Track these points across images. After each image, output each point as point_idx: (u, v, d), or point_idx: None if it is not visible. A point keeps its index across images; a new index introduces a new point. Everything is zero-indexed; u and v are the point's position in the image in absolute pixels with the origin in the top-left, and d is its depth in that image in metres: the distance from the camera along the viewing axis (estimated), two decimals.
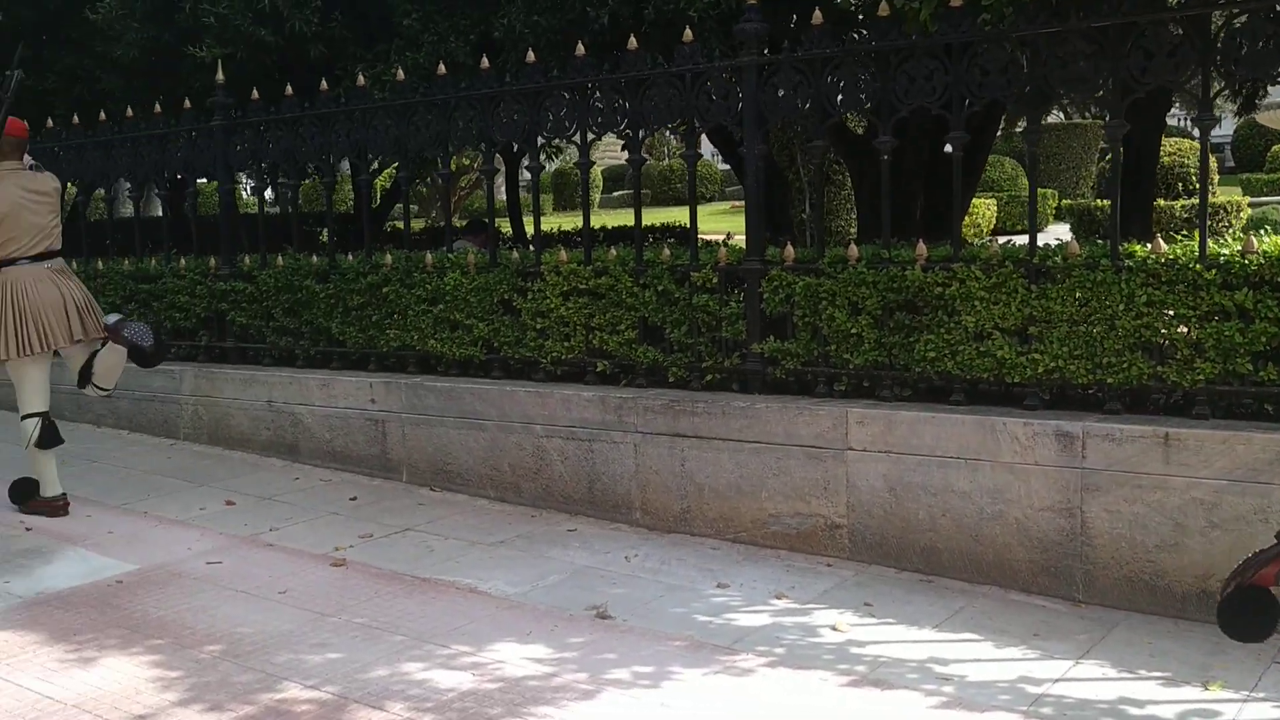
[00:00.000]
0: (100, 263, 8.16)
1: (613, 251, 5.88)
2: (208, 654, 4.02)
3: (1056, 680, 3.70)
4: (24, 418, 5.82)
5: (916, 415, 4.72)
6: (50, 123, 8.57)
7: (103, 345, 5.81)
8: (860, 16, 7.28)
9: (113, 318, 5.90)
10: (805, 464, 4.98)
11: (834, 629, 4.15)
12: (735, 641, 4.05)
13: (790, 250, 5.31)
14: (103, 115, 8.08)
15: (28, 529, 5.56)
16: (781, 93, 5.22)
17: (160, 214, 16.90)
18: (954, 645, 4.01)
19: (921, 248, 4.94)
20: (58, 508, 5.78)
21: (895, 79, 4.91)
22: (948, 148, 5.18)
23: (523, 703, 3.57)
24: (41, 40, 9.35)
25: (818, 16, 5.10)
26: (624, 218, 16.13)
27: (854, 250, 5.12)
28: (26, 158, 5.93)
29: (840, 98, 5.11)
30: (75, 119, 8.32)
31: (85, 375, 5.90)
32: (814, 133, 5.35)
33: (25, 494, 5.86)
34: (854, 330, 5.03)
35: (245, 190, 14.74)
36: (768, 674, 3.77)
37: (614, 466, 5.53)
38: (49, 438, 5.77)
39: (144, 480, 6.46)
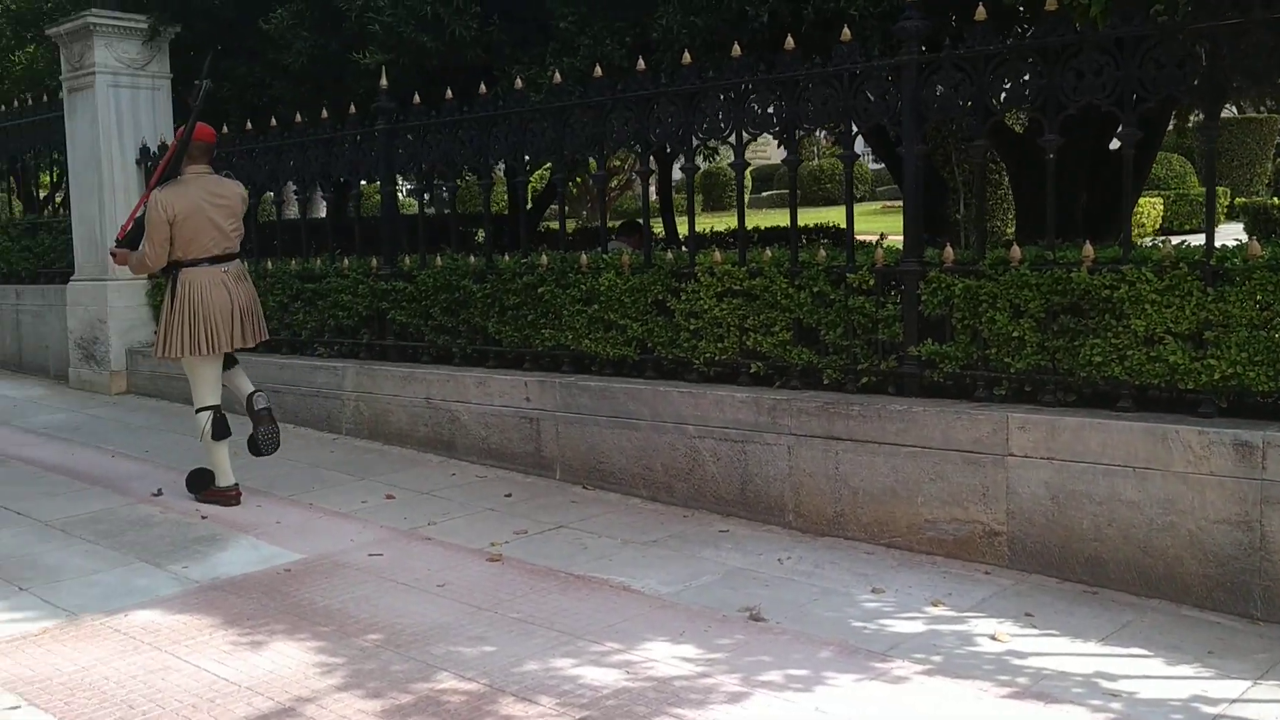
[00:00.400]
0: (269, 263, 8.48)
1: (767, 253, 5.85)
2: (369, 642, 4.14)
3: (1233, 701, 3.54)
4: (198, 411, 6.11)
5: (1081, 421, 4.57)
6: (224, 129, 8.94)
7: (254, 411, 6.09)
8: (1023, 12, 7.07)
9: (260, 399, 6.14)
10: (963, 469, 4.87)
11: (993, 639, 4.05)
12: (890, 648, 3.98)
13: (949, 251, 5.21)
14: (273, 121, 8.41)
15: (203, 517, 5.81)
16: (942, 91, 5.13)
17: (323, 215, 17.47)
18: (1122, 660, 3.87)
19: (1088, 249, 4.78)
20: (230, 497, 6.04)
21: (1062, 75, 4.77)
22: (1113, 144, 5.01)
23: (673, 702, 3.58)
24: (217, 50, 9.74)
25: (981, 13, 4.98)
26: (774, 218, 16.03)
27: (1016, 251, 4.99)
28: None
29: (1004, 95, 4.99)
30: (248, 125, 8.68)
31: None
32: (975, 131, 5.22)
33: (201, 484, 6.13)
34: (1015, 333, 4.90)
35: (401, 192, 15.14)
36: (924, 682, 3.70)
37: (767, 468, 5.50)
38: (220, 430, 6.03)
39: (309, 473, 6.69)
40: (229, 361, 6.19)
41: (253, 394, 6.14)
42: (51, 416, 8.55)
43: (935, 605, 4.40)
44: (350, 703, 3.62)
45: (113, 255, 6.21)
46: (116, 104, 9.31)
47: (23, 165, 12.10)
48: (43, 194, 14.41)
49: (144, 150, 9.36)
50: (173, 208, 5.77)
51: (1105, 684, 3.66)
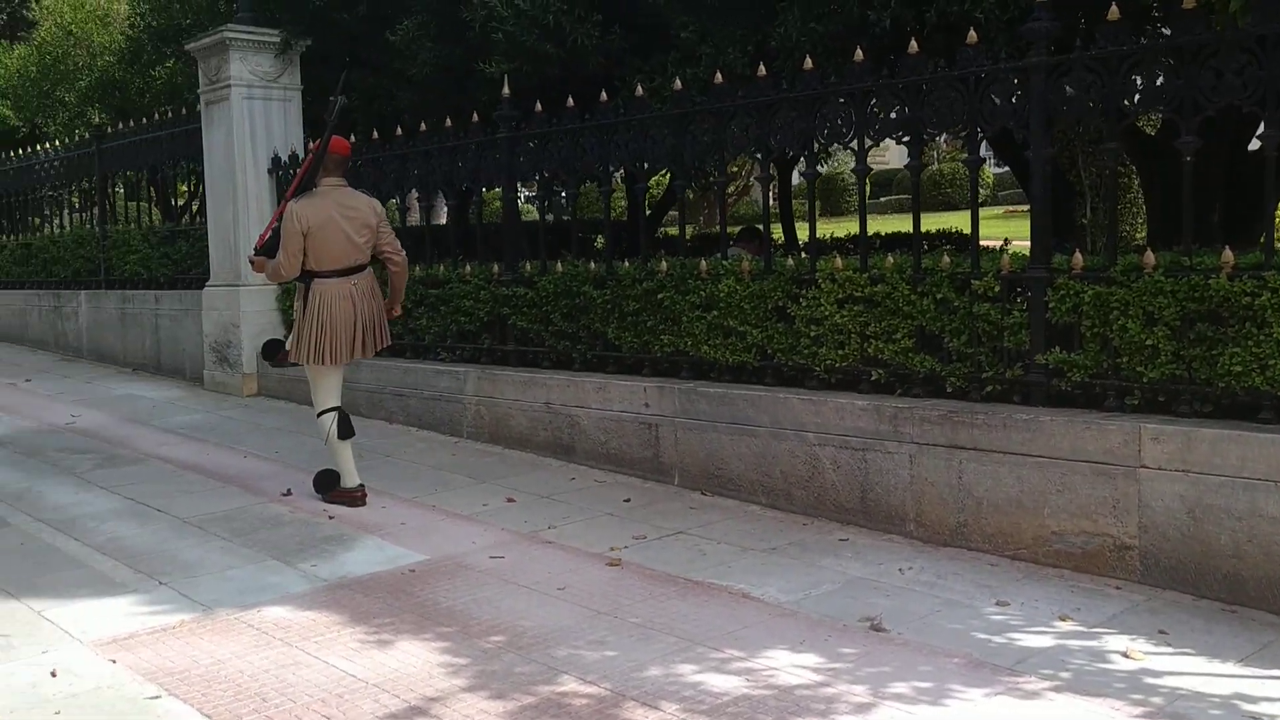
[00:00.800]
0: None
1: (889, 259, 5.78)
2: (492, 644, 4.19)
3: None
4: (320, 414, 6.30)
5: (1219, 433, 4.42)
6: (351, 138, 9.16)
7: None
8: (1156, 11, 6.88)
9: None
10: (1092, 481, 4.74)
11: (1125, 655, 3.94)
12: (1017, 662, 3.90)
13: (1079, 257, 5.08)
14: (399, 130, 8.59)
15: (330, 517, 5.96)
16: (1072, 93, 5.01)
17: (443, 221, 17.72)
18: (1263, 682, 3.73)
19: (1228, 254, 4.63)
20: (356, 498, 6.19)
21: (1200, 75, 4.62)
22: (1253, 145, 4.83)
23: (795, 711, 3.56)
24: (345, 63, 10.01)
25: (1114, 12, 4.85)
26: (893, 224, 15.83)
27: (1150, 257, 4.85)
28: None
29: (1138, 97, 4.86)
30: (374, 134, 8.88)
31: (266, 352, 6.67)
32: (1107, 134, 5.09)
33: (328, 484, 6.29)
34: (1149, 342, 4.77)
35: (520, 198, 15.33)
36: (1053, 698, 3.61)
37: (888, 477, 5.44)
38: (344, 429, 6.21)
39: (432, 475, 6.81)
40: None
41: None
42: (188, 417, 8.86)
43: (1063, 620, 4.29)
44: (476, 703, 3.68)
45: (251, 262, 6.41)
46: (250, 115, 9.63)
47: (162, 175, 12.57)
48: (180, 203, 14.96)
49: (275, 160, 9.66)
50: (306, 220, 5.94)
51: (1245, 706, 3.53)
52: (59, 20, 15.81)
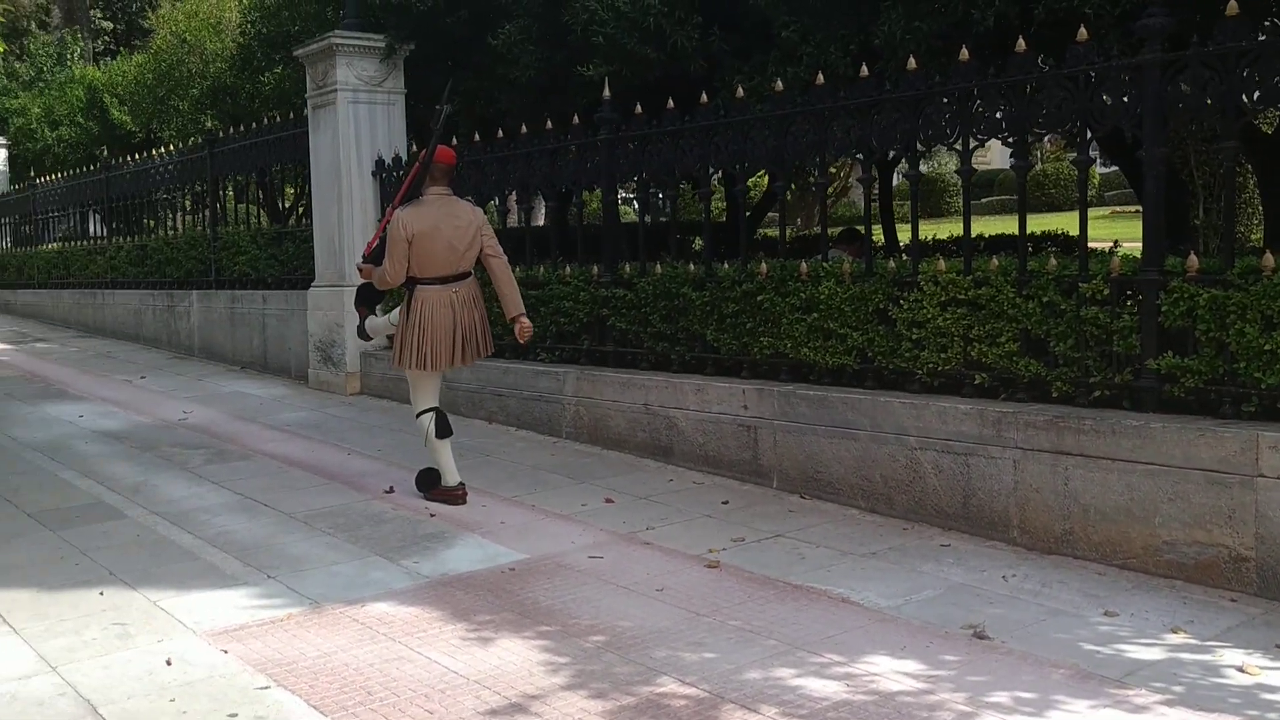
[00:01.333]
0: None
1: (994, 261, 5.69)
2: (591, 644, 4.22)
3: None
4: (419, 414, 6.41)
5: None
6: (453, 141, 9.30)
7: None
8: (1275, 6, 6.65)
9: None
10: (1206, 490, 4.61)
11: (1241, 670, 3.82)
12: (1126, 675, 3.81)
13: (1193, 260, 4.94)
14: (500, 133, 8.69)
15: (431, 515, 6.05)
16: (1188, 91, 4.88)
17: (542, 223, 17.87)
18: None
19: None
20: (456, 496, 6.29)
21: None
22: None
23: (897, 718, 3.52)
24: (448, 66, 10.16)
25: (1233, 7, 4.71)
26: (995, 225, 15.55)
27: (1270, 259, 4.69)
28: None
29: (1258, 94, 4.70)
30: (475, 137, 9.00)
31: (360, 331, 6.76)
32: (1224, 132, 4.95)
33: (430, 483, 6.39)
34: (1268, 347, 4.62)
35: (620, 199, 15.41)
36: (1165, 713, 3.52)
37: (991, 482, 5.35)
38: (442, 429, 6.32)
39: (531, 475, 6.88)
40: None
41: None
42: (293, 414, 9.07)
43: (1175, 632, 4.18)
44: (576, 702, 3.70)
45: (359, 269, 6.54)
46: (355, 119, 9.82)
47: (270, 178, 12.88)
48: (286, 205, 15.32)
49: (379, 163, 9.83)
50: (411, 228, 6.03)
51: None
52: (174, 28, 16.31)
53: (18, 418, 9.17)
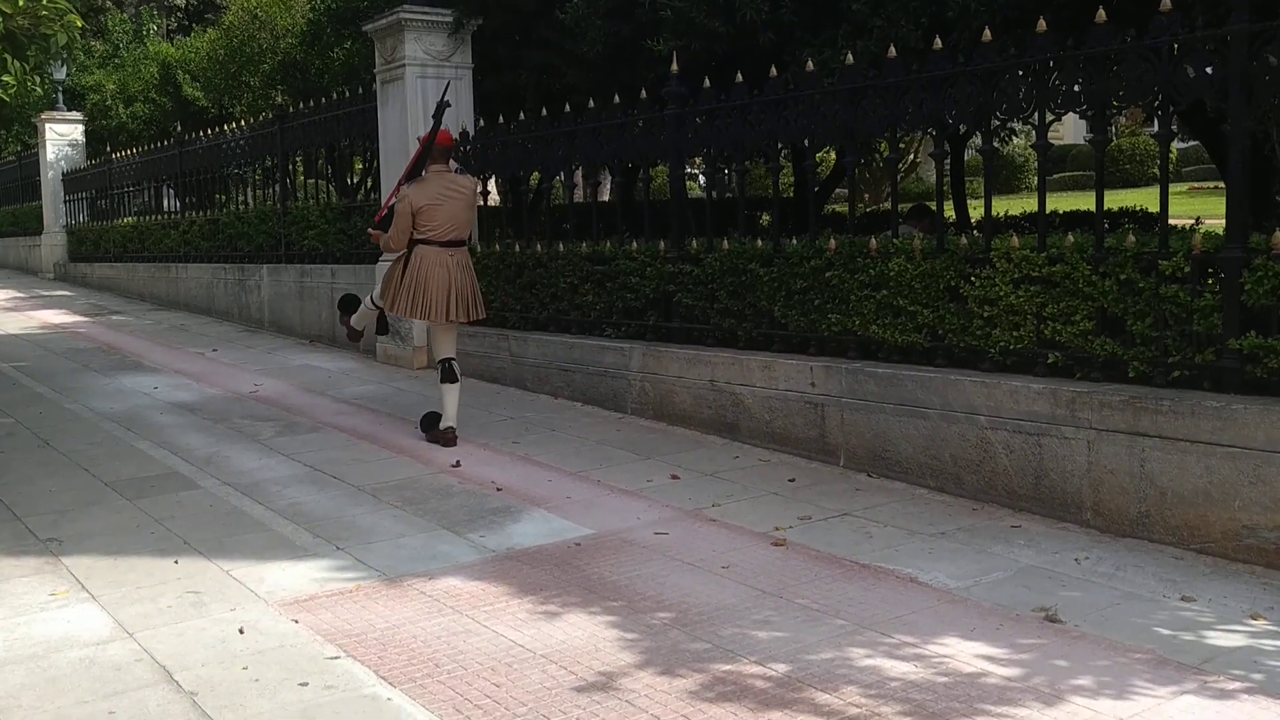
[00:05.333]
0: (560, 245, 8.75)
1: (1069, 238, 5.57)
2: (658, 620, 4.21)
3: None
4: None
5: None
6: (521, 115, 9.30)
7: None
8: None
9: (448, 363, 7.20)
10: None
11: None
12: (1205, 661, 3.73)
13: (1279, 237, 4.80)
14: (567, 107, 8.67)
15: (498, 489, 6.08)
16: (1275, 63, 4.72)
17: (606, 199, 17.86)
18: None
19: None
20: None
21: None
22: None
23: (977, 700, 3.47)
24: (515, 40, 10.16)
25: None
26: (1067, 201, 15.24)
27: None
28: (452, 162, 7.32)
29: None
30: (543, 111, 8.98)
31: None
32: None
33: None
34: None
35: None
36: (1246, 700, 3.44)
37: (1063, 463, 5.26)
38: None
39: (596, 450, 6.88)
40: (449, 334, 7.31)
41: (447, 361, 7.20)
42: (361, 388, 9.15)
43: (1255, 619, 4.08)
44: (646, 679, 3.70)
45: (370, 233, 7.57)
46: (423, 93, 9.85)
47: (339, 153, 12.99)
48: (355, 179, 15.45)
49: None
50: (417, 202, 6.94)
51: None
52: (245, 4, 16.46)
53: (95, 389, 9.36)
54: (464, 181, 7.19)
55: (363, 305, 7.60)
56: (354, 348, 11.05)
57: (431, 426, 7.20)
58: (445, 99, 7.18)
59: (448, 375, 7.12)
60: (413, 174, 7.08)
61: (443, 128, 7.04)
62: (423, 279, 6.96)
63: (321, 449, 7.06)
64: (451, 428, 7.08)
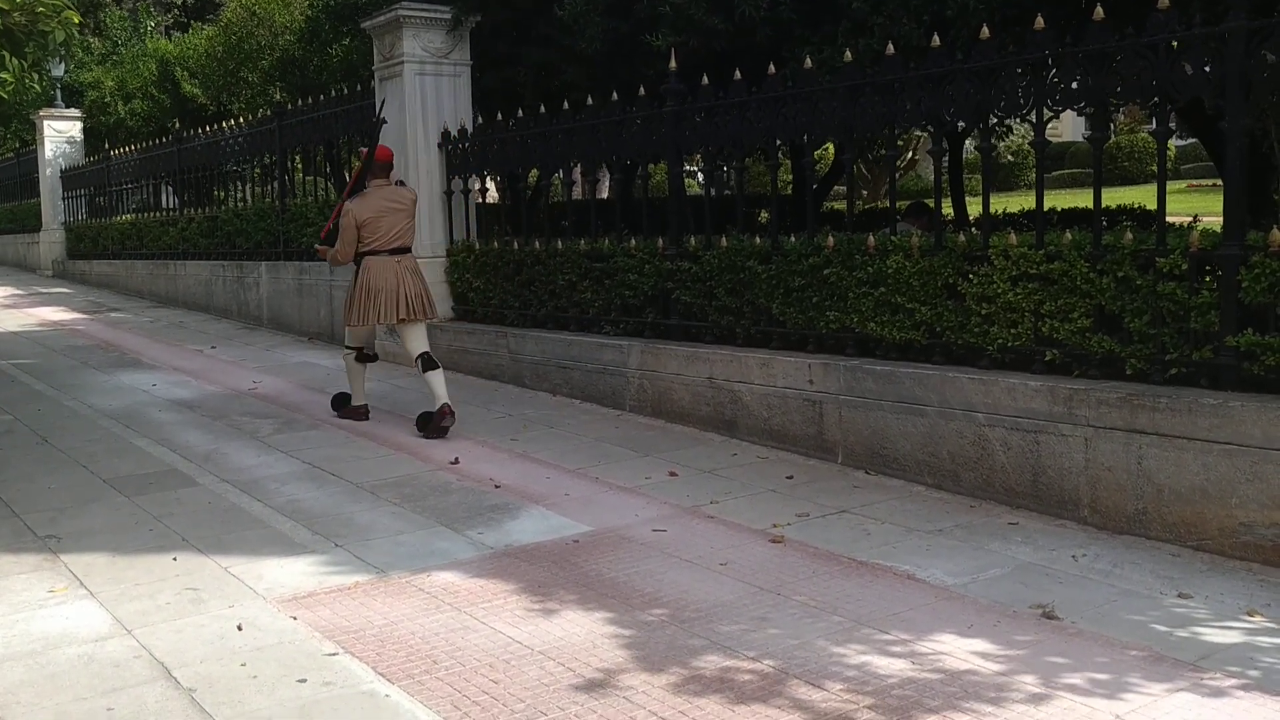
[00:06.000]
0: (559, 242, 8.76)
1: (1067, 235, 5.58)
2: (655, 617, 4.22)
3: None
4: (346, 349, 7.75)
5: None
6: (519, 112, 9.30)
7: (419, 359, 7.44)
8: None
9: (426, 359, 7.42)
10: None
11: None
12: (1201, 658, 3.73)
13: (1276, 234, 4.81)
14: (565, 104, 8.67)
15: (496, 486, 6.08)
16: (1272, 60, 4.73)
17: (605, 196, 17.81)
18: None
19: None
20: (361, 414, 7.72)
21: None
22: None
23: (965, 697, 3.48)
24: (514, 37, 10.15)
25: None
26: (1065, 199, 15.25)
27: None
28: (393, 174, 7.65)
29: None
30: (542, 108, 8.98)
31: (419, 362, 7.54)
32: None
33: (341, 403, 7.85)
34: None
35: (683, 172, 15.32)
36: (1241, 697, 3.45)
37: (1061, 460, 5.26)
38: (362, 358, 7.69)
39: (595, 447, 6.89)
40: (416, 334, 7.53)
41: (423, 354, 7.43)
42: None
43: (1252, 615, 4.09)
44: (640, 675, 3.71)
45: (317, 249, 7.94)
46: (421, 91, 9.85)
47: (337, 150, 12.98)
48: (353, 177, 15.42)
49: (445, 134, 9.86)
50: (360, 215, 7.30)
51: None
52: (243, 1, 16.45)
53: (94, 386, 9.36)
54: (404, 193, 7.57)
55: (344, 358, 7.89)
56: None
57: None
58: (381, 116, 7.89)
59: (428, 364, 7.35)
60: (354, 189, 7.49)
61: (381, 143, 7.61)
62: (375, 285, 7.31)
63: (320, 446, 7.06)
64: (446, 404, 7.25)
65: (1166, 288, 5.10)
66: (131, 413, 8.20)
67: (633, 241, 8.08)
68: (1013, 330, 5.68)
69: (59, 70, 20.62)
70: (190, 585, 4.65)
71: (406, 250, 7.49)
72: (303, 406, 8.31)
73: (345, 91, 11.59)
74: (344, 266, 7.74)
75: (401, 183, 7.80)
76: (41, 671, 3.84)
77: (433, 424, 7.23)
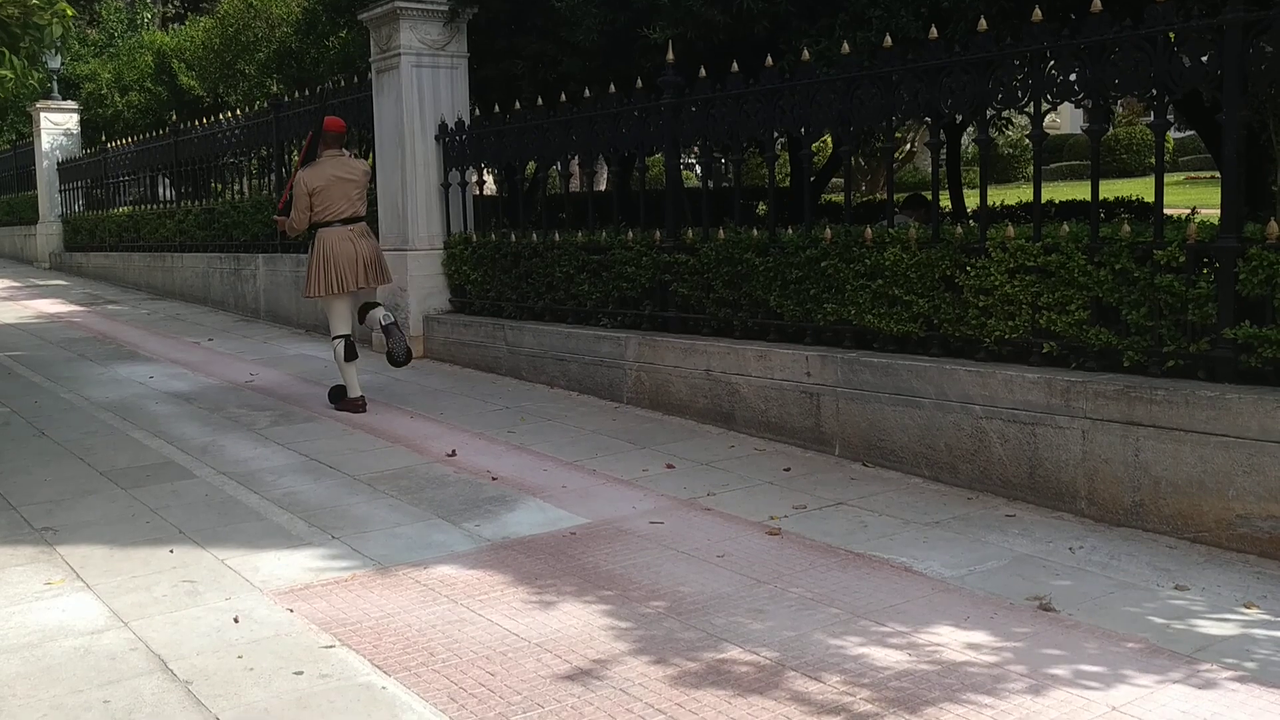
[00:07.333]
0: (556, 234, 8.75)
1: (1065, 227, 5.57)
2: (652, 609, 4.22)
3: None
4: (333, 339, 7.76)
5: None
6: (517, 104, 9.28)
7: (382, 327, 7.66)
8: None
9: (385, 316, 7.70)
10: None
11: None
12: (1197, 650, 3.74)
13: (1273, 226, 4.81)
14: (563, 97, 8.65)
15: (493, 478, 6.08)
16: (1270, 52, 4.72)
17: (604, 188, 17.79)
18: None
19: None
20: (359, 406, 7.71)
21: None
22: None
23: (961, 689, 3.48)
24: (511, 29, 10.12)
25: None
26: (1064, 191, 15.26)
27: None
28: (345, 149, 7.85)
29: None
30: (539, 101, 8.97)
31: (360, 315, 7.85)
32: None
33: (338, 396, 7.85)
34: None
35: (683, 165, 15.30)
36: (1236, 689, 3.45)
37: (1058, 452, 5.26)
38: (349, 354, 7.69)
39: (592, 440, 6.88)
40: (370, 305, 7.79)
41: (379, 313, 7.67)
42: (358, 378, 9.12)
43: (1248, 607, 4.09)
44: (637, 667, 3.71)
45: (275, 220, 8.13)
46: (419, 83, 9.83)
47: None
48: None
49: (442, 126, 9.85)
50: (311, 183, 7.50)
51: None
52: None
53: (91, 378, 9.36)
54: (356, 164, 7.81)
55: (334, 355, 7.91)
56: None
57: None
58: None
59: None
60: (306, 159, 7.69)
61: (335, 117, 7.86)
62: (331, 256, 7.52)
63: (317, 438, 7.06)
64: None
65: (1164, 280, 5.10)
66: (128, 405, 8.19)
67: (630, 234, 8.07)
68: (1010, 322, 5.68)
69: (55, 62, 20.58)
70: (187, 577, 4.65)
71: (360, 219, 7.69)
72: (300, 399, 8.30)
73: (342, 83, 11.57)
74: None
75: (355, 154, 7.99)
76: (38, 664, 3.84)
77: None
